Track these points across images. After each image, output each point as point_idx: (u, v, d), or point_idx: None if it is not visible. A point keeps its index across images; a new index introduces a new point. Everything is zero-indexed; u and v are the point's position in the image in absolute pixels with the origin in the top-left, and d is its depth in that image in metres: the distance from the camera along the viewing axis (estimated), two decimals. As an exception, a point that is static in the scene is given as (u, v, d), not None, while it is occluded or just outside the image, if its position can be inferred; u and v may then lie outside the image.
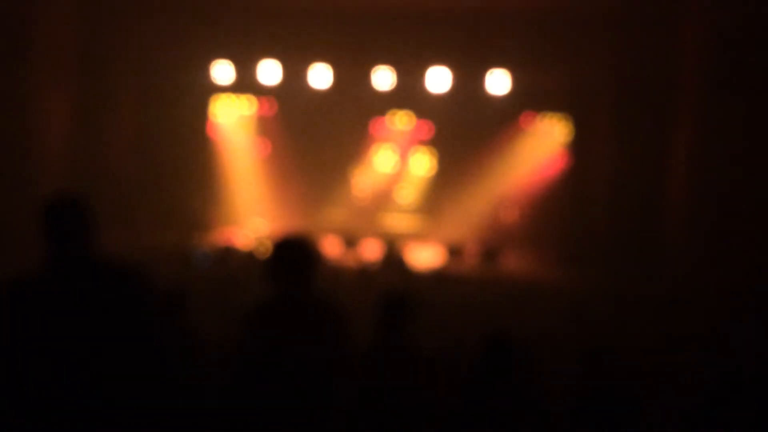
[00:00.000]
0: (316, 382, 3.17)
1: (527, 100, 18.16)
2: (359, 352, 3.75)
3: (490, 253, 15.68)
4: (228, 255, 12.90)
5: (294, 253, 3.25)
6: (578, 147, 16.22)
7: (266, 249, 11.67)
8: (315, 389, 3.17)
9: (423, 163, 20.13)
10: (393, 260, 13.59)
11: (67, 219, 2.90)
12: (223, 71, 17.39)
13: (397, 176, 19.48)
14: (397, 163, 19.99)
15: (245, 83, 18.55)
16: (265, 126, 19.95)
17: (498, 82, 16.24)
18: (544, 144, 18.94)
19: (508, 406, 3.54)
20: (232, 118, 19.88)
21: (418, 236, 17.88)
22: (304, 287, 3.24)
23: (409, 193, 19.57)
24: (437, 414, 3.91)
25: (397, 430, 3.74)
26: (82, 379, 2.74)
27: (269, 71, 17.05)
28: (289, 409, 3.15)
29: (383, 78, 16.77)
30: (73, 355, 2.75)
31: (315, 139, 19.16)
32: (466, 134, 18.58)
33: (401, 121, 19.94)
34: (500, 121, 18.64)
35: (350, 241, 16.13)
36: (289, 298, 3.24)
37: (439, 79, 16.40)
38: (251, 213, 18.01)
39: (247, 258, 12.73)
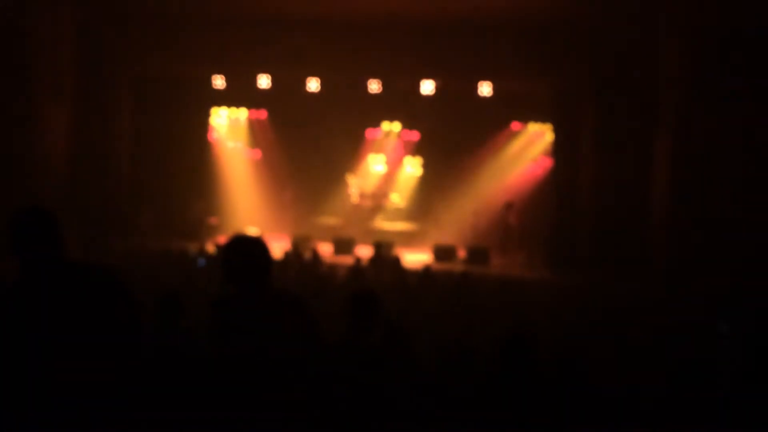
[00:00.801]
0: (279, 376, 3.21)
1: (512, 109, 18.46)
2: (330, 347, 3.82)
3: (478, 255, 15.85)
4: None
5: (242, 252, 3.30)
6: (562, 154, 16.34)
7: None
8: (278, 382, 3.20)
9: (413, 170, 20.36)
10: (384, 260, 13.73)
11: (34, 227, 2.94)
12: (219, 83, 17.60)
13: (389, 182, 19.66)
14: (388, 170, 20.20)
15: (241, 95, 18.78)
16: (260, 135, 20.14)
17: (483, 92, 16.47)
18: (529, 151, 19.20)
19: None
20: (229, 128, 20.04)
21: (409, 239, 18.03)
22: (258, 284, 3.27)
23: (400, 198, 19.75)
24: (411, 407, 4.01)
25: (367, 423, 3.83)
26: (60, 381, 2.76)
27: (264, 83, 17.25)
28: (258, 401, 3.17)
29: (374, 89, 17.01)
30: (50, 358, 2.75)
31: (308, 147, 19.34)
32: (453, 142, 18.84)
33: (392, 130, 20.18)
34: (486, 130, 18.92)
35: (344, 245, 16.28)
36: (246, 294, 3.28)
37: (426, 90, 16.63)
38: (247, 221, 18.12)
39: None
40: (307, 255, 13.90)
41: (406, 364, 4.41)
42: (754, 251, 11.40)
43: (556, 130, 16.65)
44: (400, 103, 18.48)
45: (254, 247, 3.32)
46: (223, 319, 3.30)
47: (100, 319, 2.85)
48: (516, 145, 19.24)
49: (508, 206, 17.39)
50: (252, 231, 16.28)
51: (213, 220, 18.37)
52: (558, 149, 16.53)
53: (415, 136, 20.17)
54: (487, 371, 4.54)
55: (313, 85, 17.10)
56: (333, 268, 12.71)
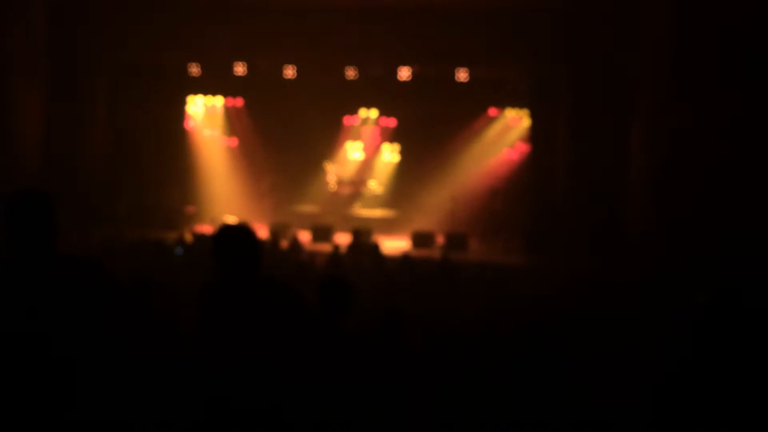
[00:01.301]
0: (262, 359, 3.19)
1: (489, 95, 18.39)
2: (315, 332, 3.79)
3: (457, 241, 15.80)
4: (201, 244, 12.83)
5: (229, 237, 3.30)
6: (539, 139, 16.36)
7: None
8: (261, 366, 3.18)
9: (391, 157, 20.26)
10: (362, 247, 13.64)
11: (28, 213, 2.82)
12: (195, 70, 17.37)
13: (367, 169, 19.54)
14: (366, 157, 20.08)
15: (217, 82, 18.57)
16: (236, 123, 19.93)
17: (460, 78, 16.39)
18: (507, 137, 19.16)
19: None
20: (205, 116, 19.81)
21: (388, 225, 17.94)
22: (247, 270, 3.28)
23: (378, 185, 19.64)
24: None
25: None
26: (42, 373, 2.67)
27: (240, 70, 17.04)
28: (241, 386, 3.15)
29: (351, 75, 16.87)
30: (33, 348, 2.67)
31: (285, 135, 19.15)
32: (431, 128, 18.73)
33: (369, 116, 20.06)
34: (464, 116, 18.85)
35: (322, 233, 16.16)
36: (235, 281, 3.27)
37: (403, 77, 16.52)
38: (225, 210, 17.91)
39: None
40: (286, 243, 13.76)
41: (401, 351, 4.34)
42: (730, 235, 11.43)
43: (533, 116, 16.66)
44: (377, 90, 18.33)
45: (243, 234, 3.32)
46: (212, 306, 3.29)
47: (84, 313, 2.76)
48: (493, 131, 19.17)
49: (495, 192, 17.34)
50: (230, 219, 16.11)
51: (190, 209, 18.15)
52: (534, 135, 16.55)
53: (392, 122, 20.07)
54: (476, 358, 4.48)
55: (289, 72, 16.93)
56: (312, 255, 12.58)
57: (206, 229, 14.18)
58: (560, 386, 3.59)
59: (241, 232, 3.34)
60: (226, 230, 3.36)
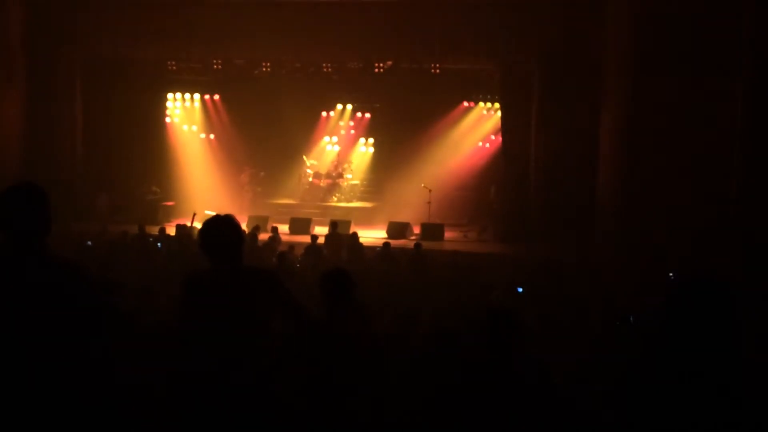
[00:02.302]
0: (251, 347, 3.29)
1: (462, 89, 18.52)
2: (310, 324, 3.88)
3: (432, 231, 15.95)
4: (183, 237, 12.89)
5: (219, 228, 3.44)
6: (511, 131, 16.43)
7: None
8: (250, 354, 3.28)
9: (366, 150, 20.37)
10: (340, 238, 13.75)
11: (23, 206, 2.78)
12: (173, 67, 17.35)
13: (343, 162, 19.62)
14: (342, 150, 20.17)
15: (194, 78, 18.54)
16: (214, 118, 19.92)
17: (434, 72, 16.49)
18: (480, 129, 19.32)
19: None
20: (183, 112, 19.77)
21: (365, 217, 18.03)
22: (233, 258, 3.40)
23: (354, 178, 19.73)
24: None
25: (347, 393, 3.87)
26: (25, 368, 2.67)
27: (217, 66, 17.06)
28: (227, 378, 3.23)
29: (326, 70, 16.94)
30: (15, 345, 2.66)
31: (262, 130, 19.18)
32: (405, 122, 18.83)
33: (345, 111, 20.16)
34: (437, 110, 18.98)
35: (300, 225, 16.24)
36: (222, 269, 3.39)
37: (378, 71, 16.60)
38: (204, 204, 17.86)
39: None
40: (265, 235, 13.84)
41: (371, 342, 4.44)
42: (701, 218, 11.69)
43: (505, 108, 16.74)
44: (352, 85, 18.43)
45: (229, 225, 3.46)
46: (198, 295, 3.37)
47: (62, 312, 2.76)
48: (466, 124, 19.32)
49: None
50: (209, 213, 16.12)
51: (169, 204, 18.15)
52: (506, 126, 16.63)
53: (367, 116, 20.19)
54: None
55: (265, 68, 16.97)
56: (290, 246, 12.68)
57: (186, 222, 14.20)
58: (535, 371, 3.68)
59: (228, 223, 3.47)
60: (213, 221, 3.49)
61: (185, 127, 19.85)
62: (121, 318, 4.95)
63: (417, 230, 16.36)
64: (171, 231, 13.95)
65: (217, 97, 19.75)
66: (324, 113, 20.29)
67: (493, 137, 18.96)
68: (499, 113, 17.55)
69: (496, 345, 3.42)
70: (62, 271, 2.79)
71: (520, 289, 8.70)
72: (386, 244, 12.58)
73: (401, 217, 16.90)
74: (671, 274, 9.89)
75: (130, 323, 4.96)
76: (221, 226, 3.46)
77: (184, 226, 13.60)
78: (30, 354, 2.70)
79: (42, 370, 2.70)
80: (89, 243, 12.76)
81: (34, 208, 2.82)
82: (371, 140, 20.34)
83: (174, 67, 17.62)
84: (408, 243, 14.82)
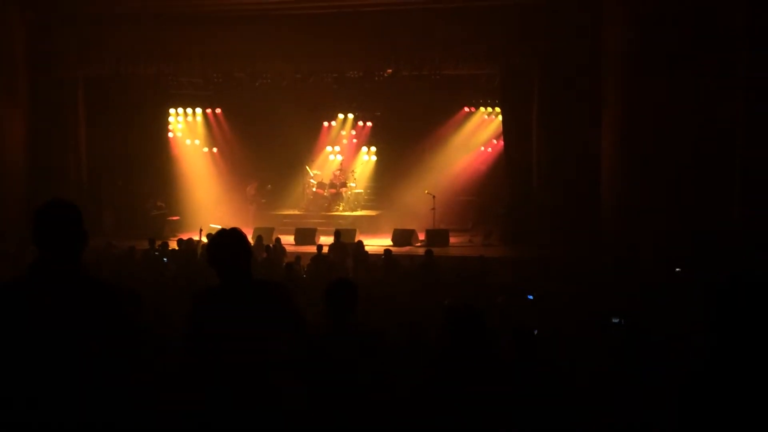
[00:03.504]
0: (263, 360, 3.26)
1: (462, 94, 18.54)
2: (317, 334, 3.89)
3: (437, 237, 15.93)
4: (190, 251, 12.90)
5: (226, 241, 3.41)
6: (512, 134, 16.43)
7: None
8: (262, 366, 3.25)
9: (369, 158, 20.38)
10: (345, 247, 13.73)
11: (57, 226, 2.72)
12: (175, 82, 17.40)
13: (346, 171, 19.60)
14: (345, 160, 20.16)
15: (196, 93, 18.59)
16: (217, 132, 19.96)
17: (435, 79, 16.48)
18: (481, 134, 19.32)
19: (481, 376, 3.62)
20: (185, 126, 19.81)
21: (369, 225, 18.01)
22: (242, 270, 3.37)
23: (358, 186, 19.72)
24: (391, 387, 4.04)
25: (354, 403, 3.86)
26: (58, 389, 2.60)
27: (218, 80, 17.10)
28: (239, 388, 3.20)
29: (327, 80, 16.96)
30: (46, 364, 2.59)
31: (265, 142, 19.22)
32: (407, 129, 18.87)
33: (347, 120, 20.19)
34: (438, 116, 19.00)
35: (306, 235, 16.24)
36: (232, 284, 3.36)
37: (378, 79, 16.61)
38: (208, 218, 17.88)
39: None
40: (270, 247, 13.84)
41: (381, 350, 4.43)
42: (704, 219, 11.67)
43: (506, 112, 16.74)
44: (353, 94, 18.46)
45: (237, 238, 3.43)
46: (208, 311, 3.34)
47: (96, 337, 2.68)
48: (467, 129, 19.32)
49: (447, 193, 17.45)
50: (215, 227, 16.14)
51: (174, 218, 18.17)
52: (507, 130, 16.64)
53: (368, 125, 20.22)
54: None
55: (266, 80, 16.99)
56: (297, 257, 12.67)
57: (191, 237, 14.20)
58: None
59: (235, 236, 3.45)
60: (220, 235, 3.47)
61: (188, 142, 19.89)
62: (150, 338, 4.95)
63: (422, 237, 16.35)
64: (175, 245, 13.95)
65: (218, 110, 19.80)
66: (326, 123, 20.32)
67: (494, 141, 18.97)
68: (500, 117, 17.57)
69: (457, 342, 3.46)
70: (100, 292, 2.74)
71: (531, 296, 8.68)
72: (387, 252, 12.55)
73: (406, 224, 16.89)
74: (678, 269, 9.89)
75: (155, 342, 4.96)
76: (228, 239, 3.43)
77: (190, 240, 13.61)
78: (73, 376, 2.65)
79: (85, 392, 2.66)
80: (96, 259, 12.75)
81: (69, 225, 2.76)
82: (373, 149, 20.36)
83: (175, 82, 17.67)
84: (414, 250, 14.81)
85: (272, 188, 19.52)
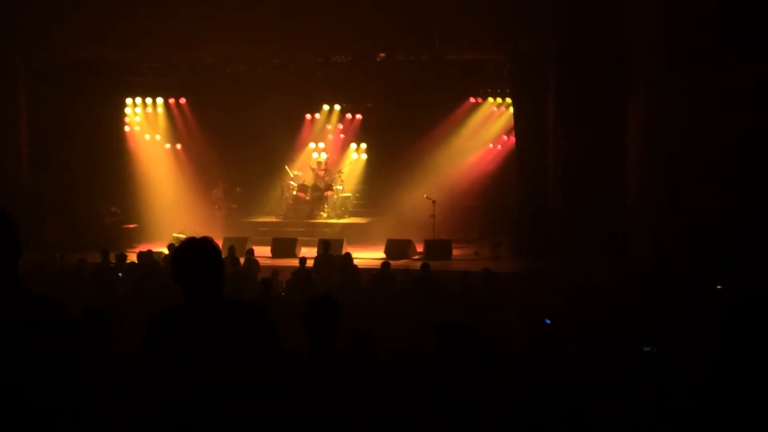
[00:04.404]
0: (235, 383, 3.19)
1: (468, 83, 18.49)
2: (297, 361, 3.87)
3: (438, 248, 15.91)
4: (147, 266, 12.85)
5: (195, 253, 3.33)
6: (525, 131, 16.36)
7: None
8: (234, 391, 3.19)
9: (358, 157, 20.38)
10: (332, 260, 13.71)
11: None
12: (130, 68, 17.37)
13: (332, 172, 19.56)
14: (330, 158, 20.12)
15: (156, 80, 18.54)
16: (181, 125, 19.91)
17: (435, 65, 16.50)
18: (489, 129, 19.30)
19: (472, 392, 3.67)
20: (144, 119, 19.77)
21: (359, 234, 18.00)
22: (213, 288, 3.30)
23: (345, 189, 19.69)
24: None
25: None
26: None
27: (184, 65, 17.08)
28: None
29: (311, 66, 16.97)
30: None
31: (238, 137, 19.20)
32: (402, 123, 18.88)
33: (333, 112, 20.19)
34: (440, 108, 18.97)
35: (285, 246, 16.20)
36: (200, 304, 3.29)
37: (371, 66, 16.62)
38: (171, 226, 17.83)
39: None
40: (242, 259, 13.78)
41: (371, 373, 4.44)
42: (749, 225, 11.73)
43: (518, 104, 16.71)
44: (340, 82, 18.45)
45: (207, 250, 3.36)
46: (169, 336, 3.25)
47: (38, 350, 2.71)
48: (473, 123, 19.29)
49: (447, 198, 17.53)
50: (178, 236, 16.13)
51: (131, 226, 18.11)
52: (520, 125, 16.59)
53: (358, 118, 20.21)
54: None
55: (239, 66, 16.99)
56: (275, 272, 12.62)
57: (151, 248, 14.15)
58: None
59: (204, 247, 3.37)
60: (187, 246, 3.39)
61: (147, 137, 19.85)
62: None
63: (420, 248, 16.34)
64: (134, 258, 13.89)
65: (183, 100, 19.75)
66: (308, 116, 20.30)
67: (505, 137, 18.97)
68: (511, 110, 17.56)
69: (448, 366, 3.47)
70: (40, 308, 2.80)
71: (548, 321, 8.69)
72: (385, 264, 12.52)
73: (401, 234, 16.89)
74: (719, 287, 9.94)
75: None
76: (196, 251, 3.35)
77: (150, 252, 13.56)
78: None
79: None
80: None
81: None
82: (363, 145, 20.35)
83: (132, 68, 17.62)
84: (410, 263, 14.78)
85: (243, 191, 19.50)
